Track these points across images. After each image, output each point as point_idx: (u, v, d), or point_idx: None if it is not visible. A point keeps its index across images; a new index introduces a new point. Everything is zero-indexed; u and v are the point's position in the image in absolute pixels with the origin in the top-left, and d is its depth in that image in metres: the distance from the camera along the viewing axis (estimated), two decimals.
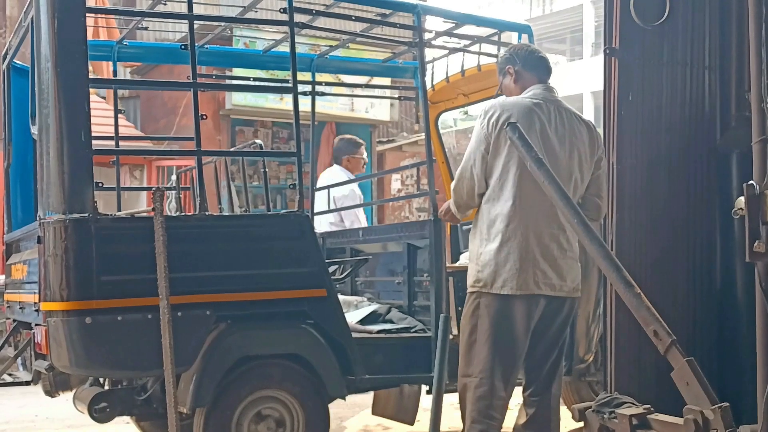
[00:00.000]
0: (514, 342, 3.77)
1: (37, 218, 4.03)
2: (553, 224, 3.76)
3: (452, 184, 4.00)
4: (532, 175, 3.53)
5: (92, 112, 3.94)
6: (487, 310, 3.76)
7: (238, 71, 7.90)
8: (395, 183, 15.57)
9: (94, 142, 3.94)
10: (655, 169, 3.79)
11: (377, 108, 14.32)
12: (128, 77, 13.31)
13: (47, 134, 3.89)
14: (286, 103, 11.98)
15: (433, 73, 6.17)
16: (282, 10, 4.45)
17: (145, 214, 4.54)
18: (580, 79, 31.24)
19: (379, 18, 5.51)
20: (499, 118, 3.76)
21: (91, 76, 4.13)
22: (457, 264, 5.55)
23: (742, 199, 2.88)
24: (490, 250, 3.77)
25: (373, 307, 5.28)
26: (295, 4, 4.45)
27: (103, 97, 11.93)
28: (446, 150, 6.55)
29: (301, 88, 5.45)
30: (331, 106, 13.21)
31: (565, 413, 4.17)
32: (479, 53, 5.81)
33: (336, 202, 6.47)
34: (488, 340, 3.74)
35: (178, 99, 13.05)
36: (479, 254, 3.84)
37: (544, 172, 3.30)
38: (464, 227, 5.85)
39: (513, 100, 3.89)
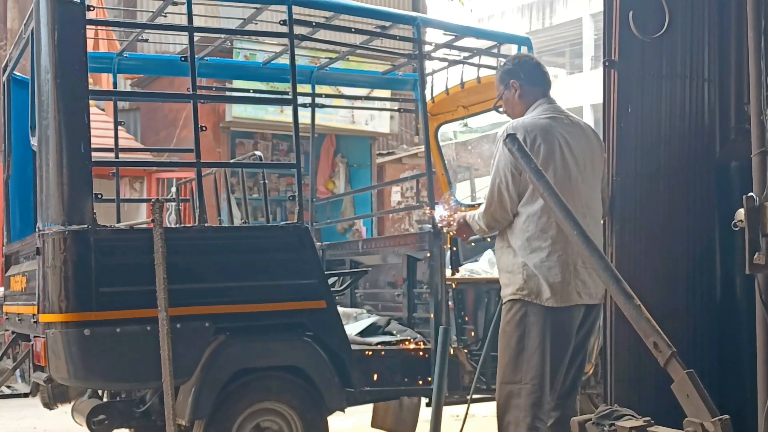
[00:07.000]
0: (563, 350, 3.82)
1: (36, 230, 4.03)
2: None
3: (481, 210, 3.93)
4: (566, 185, 3.66)
5: (92, 124, 3.95)
6: (536, 318, 3.77)
7: (238, 83, 7.93)
8: (395, 195, 15.56)
9: (93, 153, 3.95)
10: (655, 181, 3.78)
11: (377, 120, 14.32)
12: (129, 89, 13.32)
13: (47, 146, 3.90)
14: (286, 115, 11.99)
15: (432, 86, 6.18)
16: (282, 23, 4.46)
17: (144, 226, 4.53)
18: (579, 92, 31.24)
19: (379, 30, 5.53)
20: (525, 140, 3.72)
21: (91, 87, 4.14)
22: (456, 276, 5.54)
23: (741, 211, 2.88)
24: (533, 261, 3.76)
25: (373, 319, 5.28)
26: (295, 17, 4.47)
27: (103, 109, 11.94)
28: (446, 162, 6.55)
29: (300, 100, 5.45)
30: (330, 118, 13.21)
31: None
32: (479, 65, 5.82)
33: None
34: (539, 348, 3.75)
35: (178, 111, 13.07)
36: (516, 264, 3.82)
37: (543, 183, 3.29)
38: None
39: (531, 121, 3.86)
